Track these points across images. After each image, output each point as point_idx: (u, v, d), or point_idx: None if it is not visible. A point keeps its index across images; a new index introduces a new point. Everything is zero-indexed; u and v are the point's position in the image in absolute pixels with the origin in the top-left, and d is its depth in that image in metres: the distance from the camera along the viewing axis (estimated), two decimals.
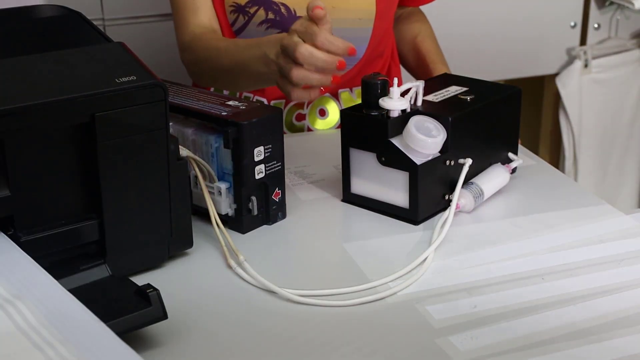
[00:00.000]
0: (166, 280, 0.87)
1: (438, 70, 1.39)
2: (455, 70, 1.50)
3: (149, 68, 0.83)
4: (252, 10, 1.30)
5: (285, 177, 1.00)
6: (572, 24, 2.07)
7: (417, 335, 0.78)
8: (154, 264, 0.89)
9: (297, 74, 1.00)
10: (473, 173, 1.03)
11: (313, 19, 1.00)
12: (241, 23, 1.32)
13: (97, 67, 0.82)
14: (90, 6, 1.69)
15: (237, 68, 1.17)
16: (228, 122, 0.94)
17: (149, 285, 0.76)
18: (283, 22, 1.31)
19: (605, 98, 2.12)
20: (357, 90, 1.40)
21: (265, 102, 1.36)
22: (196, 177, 0.94)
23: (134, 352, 0.61)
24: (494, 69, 2.01)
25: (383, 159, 0.99)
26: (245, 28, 1.33)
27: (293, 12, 1.31)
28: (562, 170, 2.11)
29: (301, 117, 1.38)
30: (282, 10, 1.30)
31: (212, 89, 1.32)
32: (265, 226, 0.99)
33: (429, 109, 1.01)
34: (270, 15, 1.31)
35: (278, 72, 1.05)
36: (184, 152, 0.89)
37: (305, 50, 0.98)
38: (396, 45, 1.48)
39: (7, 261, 0.74)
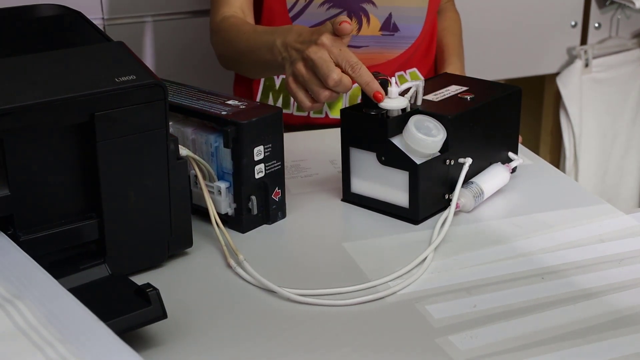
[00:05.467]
0: (166, 279, 0.87)
1: (451, 62, 1.41)
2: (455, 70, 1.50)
3: (148, 68, 0.83)
4: None
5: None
6: (573, 23, 2.07)
7: (417, 334, 0.78)
8: (154, 264, 0.89)
9: (325, 94, 1.00)
10: (473, 172, 1.03)
11: (339, 33, 1.00)
12: (301, 5, 1.33)
13: (97, 66, 0.82)
14: (90, 6, 1.69)
15: (249, 53, 1.18)
16: (228, 121, 0.94)
17: (148, 285, 0.76)
18: (344, 0, 1.32)
19: (605, 98, 2.11)
20: (411, 72, 1.41)
21: None
22: (196, 176, 0.94)
23: (133, 351, 0.61)
24: (494, 69, 2.01)
25: (383, 158, 0.99)
26: (304, 11, 1.33)
27: None
28: (563, 170, 2.11)
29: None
30: None
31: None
32: (265, 226, 0.99)
33: (429, 109, 1.01)
34: None
35: (291, 73, 1.03)
36: (183, 151, 0.89)
37: (338, 77, 0.98)
38: None
39: (7, 261, 0.74)
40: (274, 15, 1.35)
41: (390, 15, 1.36)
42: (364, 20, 1.35)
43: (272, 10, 1.35)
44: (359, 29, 1.36)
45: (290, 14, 1.34)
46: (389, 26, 1.37)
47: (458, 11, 1.60)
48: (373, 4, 1.35)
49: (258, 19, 1.38)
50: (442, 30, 1.52)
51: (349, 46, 1.02)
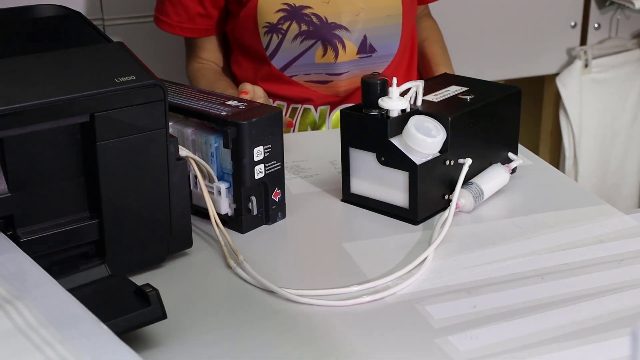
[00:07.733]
0: (166, 280, 0.87)
1: (439, 71, 1.42)
2: (455, 70, 1.50)
3: (148, 68, 0.83)
4: (284, 27, 1.33)
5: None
6: (573, 23, 2.07)
7: (416, 335, 0.78)
8: (154, 264, 0.89)
9: None
10: (473, 173, 1.03)
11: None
12: (275, 43, 1.35)
13: (97, 67, 0.82)
14: (90, 6, 1.69)
15: None
16: (227, 122, 0.94)
17: (148, 285, 0.76)
18: (316, 31, 1.33)
19: (605, 98, 2.11)
20: None
21: (313, 108, 1.40)
22: (196, 177, 0.94)
23: (133, 351, 0.61)
24: (494, 69, 2.01)
25: (383, 158, 0.99)
26: (279, 48, 1.35)
27: (324, 19, 1.33)
28: (562, 170, 2.11)
29: None
30: (314, 19, 1.32)
31: None
32: (264, 226, 0.99)
33: (429, 109, 1.01)
34: (304, 27, 1.33)
35: None
36: (183, 152, 0.89)
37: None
38: None
39: (7, 261, 0.74)
40: (259, 62, 1.39)
41: (365, 37, 1.37)
42: (340, 47, 1.35)
43: (253, 54, 1.39)
44: (336, 57, 1.37)
45: (268, 53, 1.37)
46: (365, 48, 1.37)
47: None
48: (346, 29, 1.35)
49: (246, 67, 1.42)
50: (423, 42, 1.52)
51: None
